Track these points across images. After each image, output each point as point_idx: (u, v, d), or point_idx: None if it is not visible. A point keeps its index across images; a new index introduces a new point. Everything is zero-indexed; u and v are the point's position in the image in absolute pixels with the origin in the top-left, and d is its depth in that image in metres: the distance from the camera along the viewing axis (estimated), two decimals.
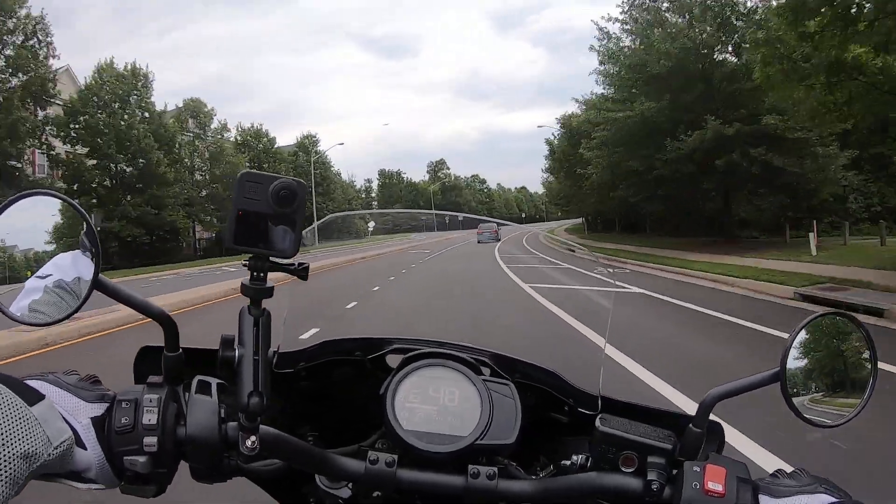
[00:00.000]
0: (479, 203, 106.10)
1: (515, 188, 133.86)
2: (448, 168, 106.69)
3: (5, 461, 0.45)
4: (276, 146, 47.79)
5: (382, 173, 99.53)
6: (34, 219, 0.59)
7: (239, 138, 43.28)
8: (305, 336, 6.45)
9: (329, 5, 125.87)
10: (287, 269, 0.58)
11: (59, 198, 0.59)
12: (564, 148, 40.97)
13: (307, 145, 52.28)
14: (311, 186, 36.40)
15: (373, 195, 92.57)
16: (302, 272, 0.58)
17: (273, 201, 0.54)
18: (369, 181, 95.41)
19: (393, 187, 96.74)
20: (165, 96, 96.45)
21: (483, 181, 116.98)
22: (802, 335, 0.63)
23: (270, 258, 0.56)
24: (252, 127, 45.70)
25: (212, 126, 39.88)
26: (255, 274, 0.56)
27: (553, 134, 49.32)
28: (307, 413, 0.75)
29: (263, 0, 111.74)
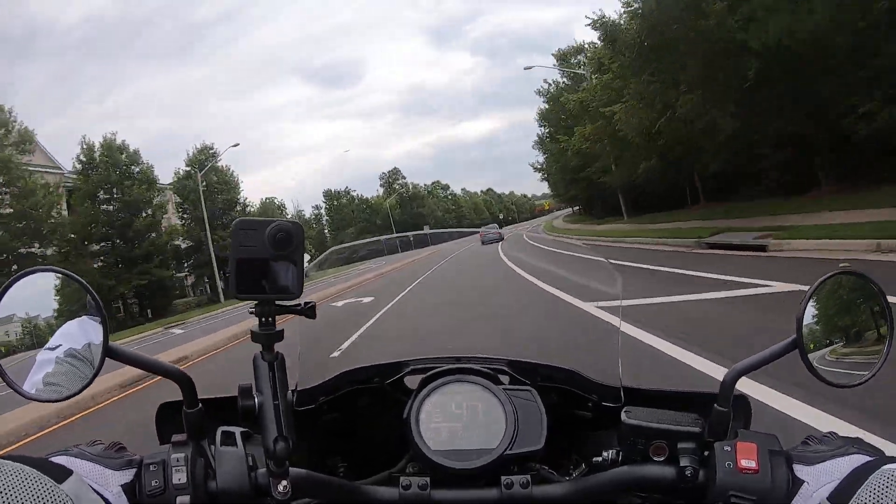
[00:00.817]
0: (446, 212, 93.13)
1: (481, 191, 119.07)
2: (404, 177, 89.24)
3: None
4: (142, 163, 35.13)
5: (328, 194, 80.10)
6: (37, 295, 0.59)
7: (83, 158, 32.53)
8: (345, 345, 6.51)
9: (264, 42, 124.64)
10: (294, 310, 0.58)
11: (61, 272, 0.59)
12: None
13: (201, 160, 39.51)
14: (203, 211, 32.36)
15: (323, 222, 77.74)
16: (309, 311, 0.58)
17: (270, 245, 0.55)
18: (318, 207, 79.09)
19: (343, 209, 79.76)
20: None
21: (446, 186, 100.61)
22: (814, 300, 0.62)
23: (276, 302, 0.56)
24: (105, 140, 33.32)
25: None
26: (263, 320, 0.56)
27: (550, 81, 42.56)
28: (334, 445, 0.75)
29: (196, 49, 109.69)
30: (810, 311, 0.62)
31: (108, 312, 0.57)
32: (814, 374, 0.61)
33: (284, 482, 0.55)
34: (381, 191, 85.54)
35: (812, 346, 0.62)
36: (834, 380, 0.61)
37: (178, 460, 0.57)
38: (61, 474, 0.51)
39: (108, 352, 0.57)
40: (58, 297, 0.61)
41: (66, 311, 0.60)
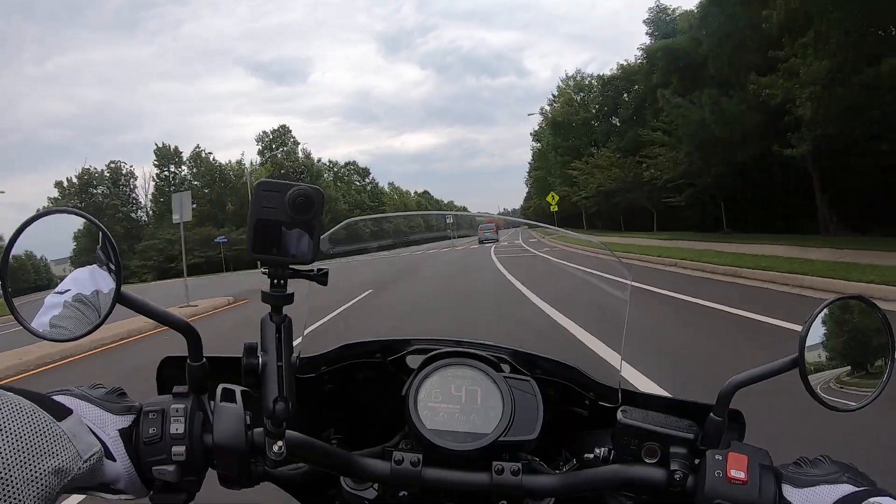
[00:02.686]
0: (357, 206, 68.66)
1: (416, 192, 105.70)
2: (296, 142, 65.10)
3: (37, 478, 0.45)
4: None
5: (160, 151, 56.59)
6: (56, 236, 0.60)
7: None
8: (361, 296, 6.46)
9: (212, 29, 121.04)
10: (306, 275, 0.58)
11: (81, 215, 0.60)
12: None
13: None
14: None
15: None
16: (321, 278, 0.59)
17: (290, 209, 0.55)
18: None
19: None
20: (45, 127, 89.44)
21: (365, 171, 77.84)
22: (819, 321, 0.63)
23: (290, 265, 0.57)
24: None
25: None
26: (275, 281, 0.57)
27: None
28: (330, 416, 0.76)
29: (144, 26, 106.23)
30: (815, 332, 0.62)
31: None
32: (811, 394, 0.61)
33: (280, 443, 0.56)
34: (254, 161, 60.80)
35: (813, 367, 0.62)
36: (830, 403, 0.61)
37: (177, 410, 0.58)
38: (61, 412, 0.52)
39: (120, 298, 0.57)
40: (74, 243, 0.62)
41: (80, 257, 0.61)
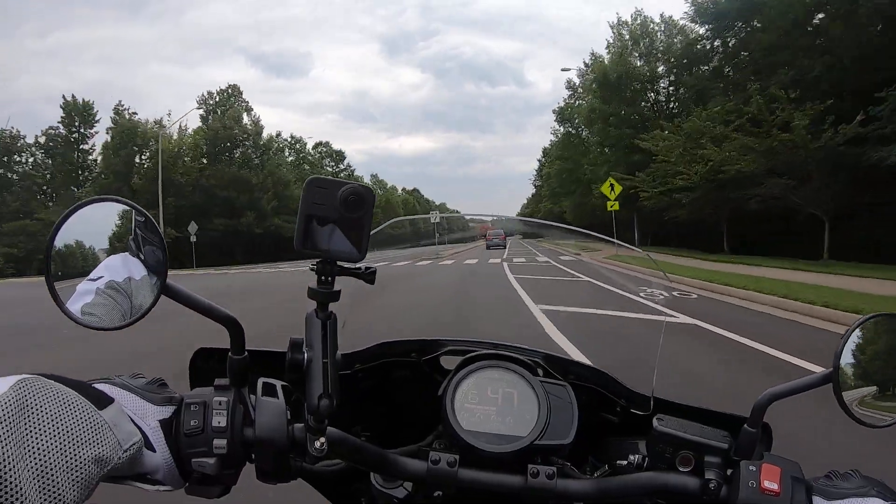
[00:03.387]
0: None
1: (404, 189, 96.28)
2: (247, 102, 51.47)
3: (78, 466, 0.45)
4: None
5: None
6: (101, 223, 0.59)
7: None
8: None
9: (216, 16, 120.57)
10: (355, 272, 0.58)
11: (125, 202, 0.59)
12: None
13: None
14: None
15: None
16: (369, 276, 0.59)
17: (341, 206, 0.55)
18: None
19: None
20: (43, 102, 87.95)
21: (340, 155, 65.34)
22: (855, 336, 0.63)
23: (338, 262, 0.57)
24: None
25: None
26: (322, 278, 0.57)
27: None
28: (361, 413, 0.76)
29: (149, 7, 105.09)
30: (850, 348, 0.63)
31: None
32: (844, 409, 0.62)
33: (322, 439, 0.56)
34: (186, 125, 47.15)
35: (847, 382, 0.63)
36: (863, 418, 0.62)
37: (219, 403, 0.58)
38: (102, 401, 0.52)
39: (165, 289, 0.57)
40: (113, 230, 0.61)
41: (117, 245, 0.60)
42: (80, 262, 0.58)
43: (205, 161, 46.54)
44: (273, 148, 53.09)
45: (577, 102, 37.56)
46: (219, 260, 38.16)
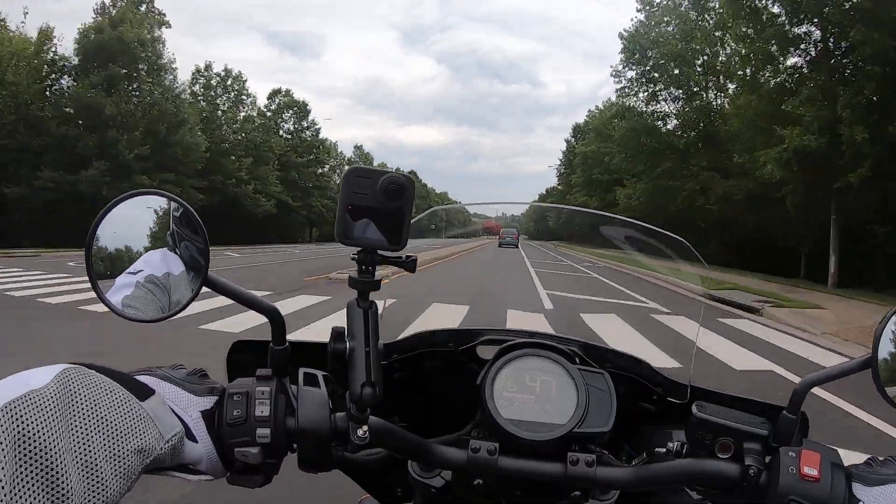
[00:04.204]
0: (259, 158, 51.21)
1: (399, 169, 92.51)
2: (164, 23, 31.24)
3: (121, 457, 0.46)
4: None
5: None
6: (143, 216, 0.60)
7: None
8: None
9: None
10: (396, 262, 0.59)
11: (167, 196, 0.60)
12: None
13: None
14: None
15: None
16: (410, 265, 0.59)
17: (382, 196, 0.55)
18: None
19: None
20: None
21: (304, 108, 50.11)
22: (894, 322, 0.63)
23: (379, 251, 0.57)
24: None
25: None
26: (363, 267, 0.58)
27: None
28: (398, 403, 0.76)
29: None
30: (889, 334, 0.62)
31: None
32: (882, 395, 0.61)
33: (364, 427, 0.57)
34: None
35: (886, 367, 0.62)
36: None
37: (262, 393, 0.58)
38: (144, 392, 0.52)
39: (206, 280, 0.58)
40: (155, 224, 0.61)
41: (158, 239, 0.61)
42: (123, 256, 0.59)
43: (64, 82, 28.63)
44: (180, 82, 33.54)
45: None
46: (42, 239, 22.92)
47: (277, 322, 0.61)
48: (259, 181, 39.26)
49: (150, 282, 0.59)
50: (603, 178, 35.76)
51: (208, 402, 0.59)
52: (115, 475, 0.45)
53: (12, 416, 0.39)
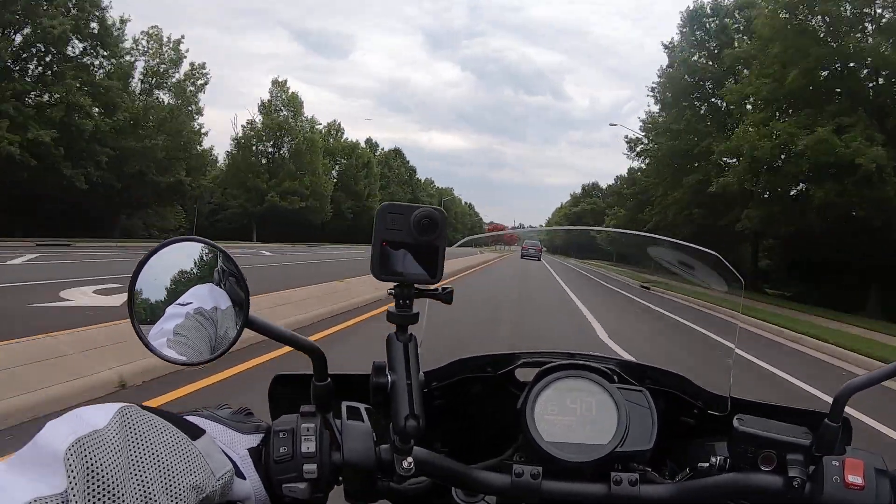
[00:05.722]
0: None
1: (375, 146, 67.11)
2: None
3: (177, 494, 0.47)
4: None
5: None
6: (181, 262, 0.61)
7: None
8: None
9: None
10: (433, 294, 0.60)
11: (203, 242, 0.62)
12: None
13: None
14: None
15: None
16: (446, 297, 0.60)
17: (415, 230, 0.57)
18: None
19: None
20: None
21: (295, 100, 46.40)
22: None
23: (415, 285, 0.58)
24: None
25: None
26: (400, 301, 0.59)
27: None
28: (439, 430, 0.77)
29: None
30: None
31: None
32: None
33: (409, 459, 0.58)
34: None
35: None
36: None
37: (307, 430, 0.59)
38: (195, 432, 0.53)
39: (247, 322, 0.59)
40: (195, 267, 0.63)
41: (198, 279, 0.62)
42: (164, 301, 0.60)
43: None
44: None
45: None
46: None
47: (319, 359, 0.62)
48: None
49: (199, 314, 0.60)
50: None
51: (255, 439, 0.60)
52: None
53: (82, 453, 0.41)
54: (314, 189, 45.73)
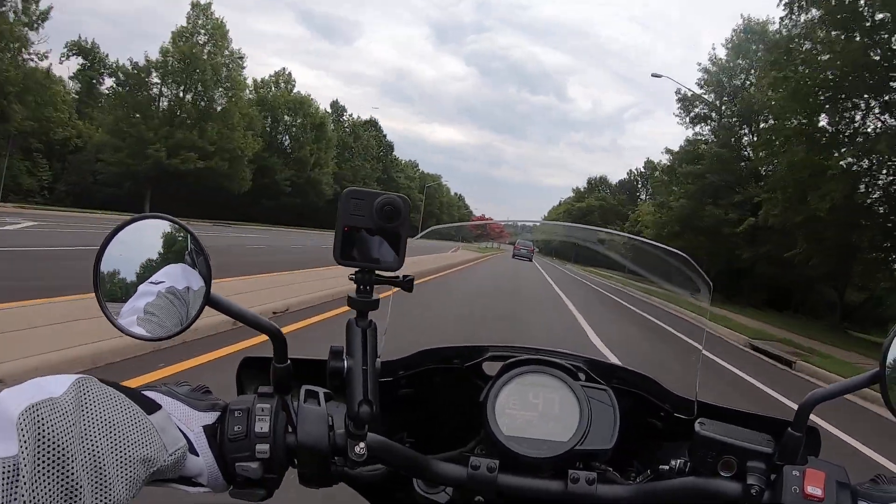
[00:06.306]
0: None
1: (347, 116, 59.86)
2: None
3: (127, 464, 0.48)
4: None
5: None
6: (147, 240, 0.62)
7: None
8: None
9: None
10: (393, 281, 0.60)
11: (170, 220, 0.62)
12: None
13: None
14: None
15: None
16: (407, 284, 0.60)
17: (378, 217, 0.57)
18: None
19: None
20: (84, 27, 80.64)
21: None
22: None
23: (376, 272, 0.58)
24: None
25: None
26: (361, 287, 0.59)
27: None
28: (403, 419, 0.77)
29: None
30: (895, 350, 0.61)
31: None
32: (891, 410, 0.60)
33: (362, 444, 0.58)
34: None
35: (895, 384, 0.61)
36: None
37: (262, 410, 0.59)
38: (151, 407, 0.54)
39: (209, 300, 0.59)
40: (165, 245, 0.63)
41: (169, 258, 0.62)
42: (130, 277, 0.61)
43: None
44: None
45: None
46: None
47: (279, 341, 0.62)
48: None
49: (170, 293, 0.61)
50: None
51: (210, 417, 0.60)
52: (122, 481, 0.47)
53: (34, 419, 0.42)
54: (222, 146, 33.34)
